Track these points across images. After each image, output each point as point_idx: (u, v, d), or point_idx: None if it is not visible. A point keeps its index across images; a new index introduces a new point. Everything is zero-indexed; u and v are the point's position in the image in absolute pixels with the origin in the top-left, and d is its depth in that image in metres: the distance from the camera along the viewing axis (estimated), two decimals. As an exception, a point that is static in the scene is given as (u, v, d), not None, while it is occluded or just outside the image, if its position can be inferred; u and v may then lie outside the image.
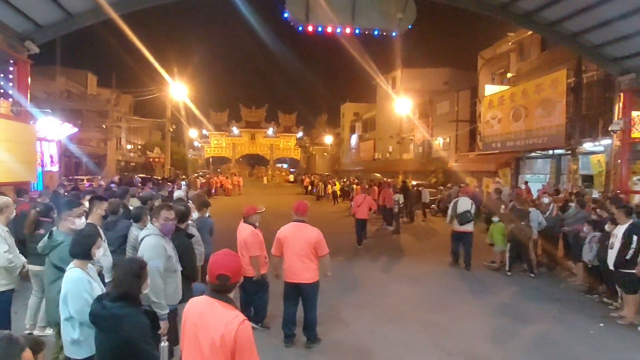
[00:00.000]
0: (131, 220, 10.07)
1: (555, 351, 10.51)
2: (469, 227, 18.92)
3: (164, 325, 7.28)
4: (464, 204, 19.13)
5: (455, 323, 12.26)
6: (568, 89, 31.38)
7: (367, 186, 33.71)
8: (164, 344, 6.91)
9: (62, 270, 7.00)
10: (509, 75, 42.37)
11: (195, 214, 11.45)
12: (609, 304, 13.79)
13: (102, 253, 6.74)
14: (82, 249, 6.36)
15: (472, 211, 19.07)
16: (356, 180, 50.83)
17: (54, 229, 7.73)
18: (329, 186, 53.15)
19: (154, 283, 7.10)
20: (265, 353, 9.79)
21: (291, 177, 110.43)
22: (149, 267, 7.00)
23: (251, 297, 11.18)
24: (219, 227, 13.81)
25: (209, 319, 4.56)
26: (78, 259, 6.32)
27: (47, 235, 7.55)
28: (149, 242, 7.49)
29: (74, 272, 6.18)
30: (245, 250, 10.94)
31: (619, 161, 26.28)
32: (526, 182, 34.18)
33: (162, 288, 7.30)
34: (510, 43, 42.42)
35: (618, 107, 26.43)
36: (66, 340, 6.14)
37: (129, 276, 5.37)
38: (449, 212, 19.82)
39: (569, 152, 32.08)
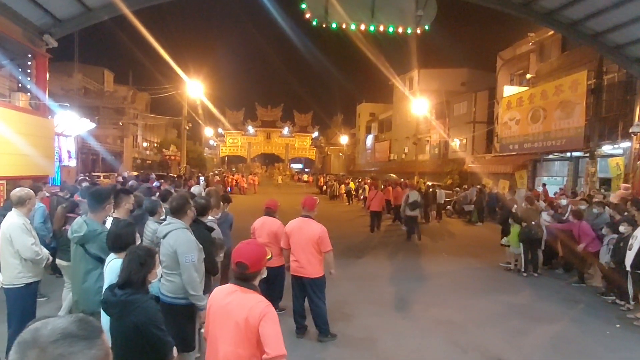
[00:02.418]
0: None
1: (571, 350, 10.54)
2: (416, 212, 25.76)
3: (203, 315, 7.00)
4: (413, 196, 25.80)
5: (471, 321, 12.28)
6: (588, 90, 31.26)
7: (382, 187, 34.14)
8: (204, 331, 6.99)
9: (100, 260, 7.10)
10: (528, 76, 42.19)
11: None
12: (621, 305, 13.78)
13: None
14: (127, 242, 6.43)
15: (419, 200, 26.04)
16: (369, 180, 51.09)
17: (85, 218, 7.58)
18: (342, 186, 53.56)
19: (191, 277, 7.19)
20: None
21: (305, 177, 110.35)
22: (183, 262, 7.16)
23: (269, 285, 11.21)
24: (239, 225, 13.84)
25: (233, 305, 4.73)
26: (120, 252, 6.31)
27: (82, 225, 7.36)
28: (181, 236, 7.44)
29: (116, 262, 6.18)
30: (276, 242, 11.19)
31: (639, 163, 26.14)
32: (544, 185, 34.10)
33: (198, 281, 7.32)
34: (530, 43, 42.34)
35: (639, 109, 26.27)
36: (105, 327, 6.08)
37: (133, 263, 5.41)
38: (403, 204, 26.52)
39: (587, 154, 31.91)
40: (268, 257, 5.01)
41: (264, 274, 4.98)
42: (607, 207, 17.56)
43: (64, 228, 10.57)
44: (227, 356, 4.68)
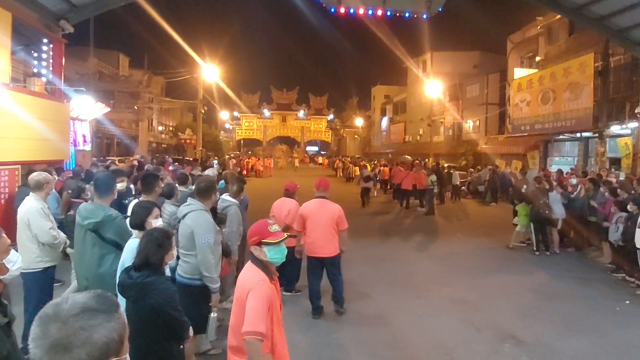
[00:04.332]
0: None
1: (582, 327, 10.67)
2: (368, 185, 33.57)
3: (215, 298, 7.50)
4: (365, 172, 35.24)
5: (484, 300, 12.47)
6: (595, 72, 31.31)
7: (401, 168, 34.94)
8: (214, 315, 7.23)
9: (114, 244, 7.22)
10: (537, 58, 42.20)
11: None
12: (631, 282, 13.95)
13: (160, 223, 6.79)
14: (137, 220, 6.64)
15: (371, 175, 35.26)
16: (384, 162, 51.93)
17: (94, 204, 7.56)
18: (357, 168, 53.41)
19: (205, 258, 7.34)
20: (299, 322, 10.40)
21: (320, 159, 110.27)
22: (199, 243, 7.30)
23: (284, 266, 11.45)
24: (254, 208, 14.00)
25: (240, 281, 5.04)
26: (137, 230, 6.56)
27: (95, 211, 7.32)
28: (200, 217, 7.64)
29: (133, 242, 6.39)
30: (292, 223, 11.40)
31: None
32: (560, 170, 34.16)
33: (213, 263, 7.43)
34: (538, 27, 42.24)
35: (645, 90, 26.30)
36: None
37: (151, 245, 5.52)
38: (359, 177, 37.27)
39: (597, 135, 31.99)
40: (283, 238, 5.21)
41: (264, 257, 5.00)
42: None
43: (68, 214, 10.70)
44: (233, 329, 4.96)
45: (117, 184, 8.59)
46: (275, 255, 5.06)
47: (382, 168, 45.65)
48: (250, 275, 4.98)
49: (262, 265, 5.00)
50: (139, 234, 6.37)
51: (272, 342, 4.87)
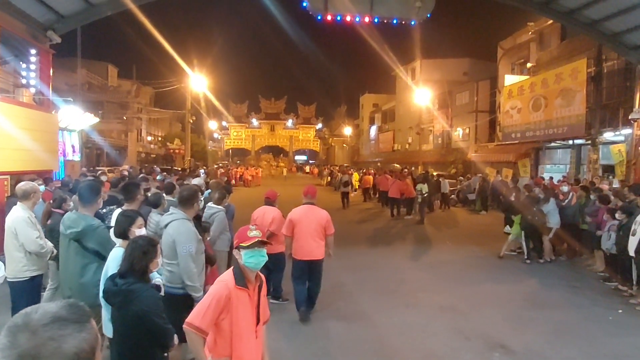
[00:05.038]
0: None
1: (573, 336, 10.57)
2: (347, 189, 37.93)
3: None
4: (345, 178, 39.68)
5: (474, 309, 12.38)
6: (588, 78, 31.18)
7: (387, 176, 35.35)
8: None
9: (97, 254, 7.20)
10: (528, 65, 42.12)
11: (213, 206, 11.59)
12: (624, 291, 13.84)
13: (143, 232, 6.74)
14: (120, 229, 6.64)
15: (349, 181, 39.32)
16: (365, 171, 53.51)
17: (77, 213, 7.59)
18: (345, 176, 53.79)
19: (187, 267, 7.36)
20: (285, 330, 10.34)
21: (307, 168, 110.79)
22: (181, 252, 7.32)
23: (270, 273, 11.46)
24: (240, 217, 13.92)
25: None
26: (121, 239, 6.57)
27: (77, 221, 7.33)
28: (181, 226, 7.61)
29: (117, 250, 6.38)
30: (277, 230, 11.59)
31: (640, 150, 26.16)
32: (551, 178, 33.99)
33: (195, 272, 7.45)
34: (530, 33, 42.31)
35: (639, 96, 26.25)
36: (105, 318, 6.20)
37: (136, 252, 5.50)
38: (338, 183, 42.98)
39: (589, 142, 31.82)
40: (253, 241, 5.20)
41: (240, 260, 5.13)
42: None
43: (47, 223, 10.62)
44: None
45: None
46: (249, 259, 5.11)
47: (364, 177, 46.07)
48: (220, 277, 5.24)
49: (239, 269, 5.14)
50: (123, 243, 6.38)
51: (230, 346, 5.01)
